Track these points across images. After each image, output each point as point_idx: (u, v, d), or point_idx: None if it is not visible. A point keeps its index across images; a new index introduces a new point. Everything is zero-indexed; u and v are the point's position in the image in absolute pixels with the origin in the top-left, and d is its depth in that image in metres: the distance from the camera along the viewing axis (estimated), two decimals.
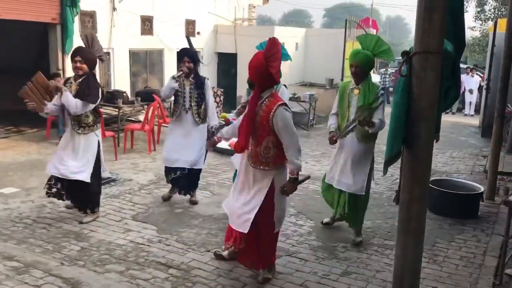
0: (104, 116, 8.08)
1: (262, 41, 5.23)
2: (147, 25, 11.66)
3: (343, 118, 4.70)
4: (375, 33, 14.27)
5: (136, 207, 5.64)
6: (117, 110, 8.80)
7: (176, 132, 5.63)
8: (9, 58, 11.18)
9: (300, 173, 3.76)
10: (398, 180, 3.60)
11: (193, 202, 5.81)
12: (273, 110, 3.62)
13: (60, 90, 4.82)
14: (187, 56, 5.46)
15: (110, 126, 9.29)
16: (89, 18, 10.02)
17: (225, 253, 4.30)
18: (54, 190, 4.98)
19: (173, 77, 5.50)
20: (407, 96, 2.21)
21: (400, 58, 2.41)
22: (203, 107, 5.58)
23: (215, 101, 12.02)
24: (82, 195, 5.07)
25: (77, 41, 9.17)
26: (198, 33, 13.50)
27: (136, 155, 8.09)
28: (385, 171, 2.32)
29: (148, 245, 4.61)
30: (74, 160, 4.94)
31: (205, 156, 5.79)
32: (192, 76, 5.51)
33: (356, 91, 4.61)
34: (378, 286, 4.00)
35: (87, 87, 4.81)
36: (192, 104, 5.52)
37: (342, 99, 4.73)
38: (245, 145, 3.72)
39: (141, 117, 9.38)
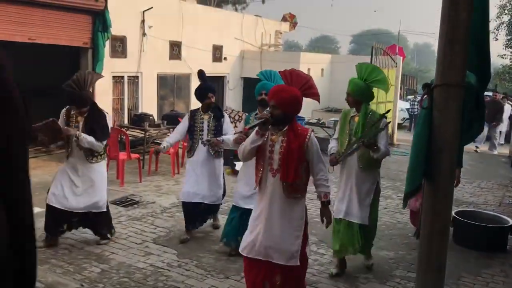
0: (130, 138, 8.22)
1: (264, 70, 5.25)
2: (175, 50, 11.92)
3: (342, 145, 4.68)
4: (401, 60, 14.20)
5: (158, 230, 5.67)
6: (143, 132, 8.94)
7: (195, 167, 5.47)
8: (42, 80, 11.53)
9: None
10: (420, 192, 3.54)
11: (216, 227, 5.81)
12: (307, 137, 3.62)
13: (75, 136, 4.82)
14: (211, 91, 5.46)
15: (136, 148, 9.43)
16: (120, 42, 10.30)
17: None
18: (65, 225, 5.08)
19: (193, 114, 5.53)
20: (429, 128, 2.18)
21: (422, 84, 2.38)
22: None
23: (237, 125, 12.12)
24: (101, 222, 5.17)
25: (107, 65, 9.46)
26: (225, 58, 13.71)
27: (160, 178, 8.17)
28: (404, 204, 2.27)
29: (168, 270, 4.61)
30: (92, 191, 4.99)
31: (224, 188, 5.73)
32: (211, 109, 5.49)
33: (356, 119, 4.61)
34: None
35: (97, 126, 4.86)
36: (210, 137, 5.42)
37: (344, 125, 4.72)
38: (297, 176, 3.60)
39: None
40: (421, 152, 2.15)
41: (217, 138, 5.40)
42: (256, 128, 3.58)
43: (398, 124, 15.24)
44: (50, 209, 4.96)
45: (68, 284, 4.17)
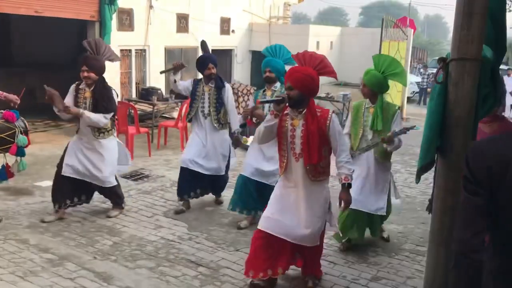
0: (138, 112, 8.22)
1: (272, 44, 5.20)
2: (182, 22, 11.79)
3: (356, 137, 4.59)
4: (412, 33, 13.98)
5: (168, 204, 5.72)
6: (151, 106, 8.94)
7: (197, 137, 5.51)
8: (49, 54, 11.52)
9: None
10: (432, 184, 3.53)
11: (219, 202, 5.82)
12: (328, 119, 3.61)
13: (78, 115, 4.82)
14: (211, 63, 5.36)
15: (145, 123, 9.45)
16: (127, 15, 10.20)
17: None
18: (75, 198, 5.16)
19: (196, 82, 5.50)
20: (443, 103, 2.15)
21: (436, 59, 2.34)
22: (222, 111, 5.47)
23: (248, 99, 12.07)
24: (111, 195, 5.27)
25: (114, 38, 9.38)
26: (233, 31, 13.56)
27: (169, 152, 8.20)
28: (417, 179, 2.27)
29: (179, 242, 4.67)
30: (101, 166, 5.03)
31: (229, 162, 5.70)
32: (212, 80, 5.44)
33: (371, 110, 4.51)
34: None
35: (101, 99, 4.84)
36: (211, 110, 5.41)
37: (357, 118, 4.60)
38: (320, 158, 3.61)
39: (175, 114, 9.49)
40: (435, 127, 2.13)
41: (233, 138, 5.42)
42: (271, 108, 3.60)
43: (408, 97, 15.12)
44: (63, 180, 4.98)
45: (81, 256, 4.24)
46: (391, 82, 4.60)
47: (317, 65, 3.64)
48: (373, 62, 4.55)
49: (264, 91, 5.05)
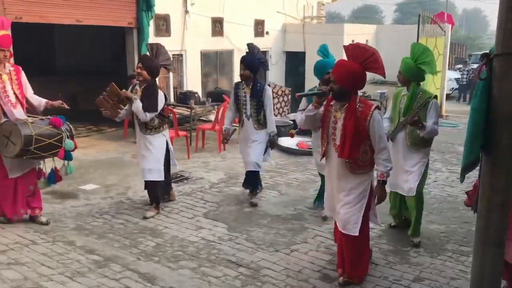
0: (177, 116, 8.36)
1: (322, 44, 5.25)
2: (217, 26, 11.92)
3: (394, 122, 4.76)
4: (450, 28, 13.64)
5: (208, 205, 5.80)
6: (189, 110, 9.08)
7: (241, 138, 5.85)
8: (89, 61, 11.88)
9: None
10: (474, 183, 3.47)
11: (252, 204, 5.83)
12: (369, 115, 3.62)
13: (131, 99, 5.12)
14: (242, 63, 5.58)
15: (183, 126, 9.60)
16: (163, 21, 10.40)
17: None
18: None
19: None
20: (487, 100, 2.11)
21: (478, 53, 2.30)
22: (262, 113, 5.64)
23: (283, 100, 12.09)
24: (150, 190, 5.44)
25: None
26: (267, 32, 13.60)
27: (207, 154, 8.31)
28: (462, 178, 2.22)
29: (219, 243, 4.73)
30: (145, 161, 5.27)
31: (263, 157, 5.84)
32: (251, 84, 5.58)
33: (406, 98, 4.64)
34: None
35: (147, 98, 5.08)
36: (252, 112, 5.62)
37: (395, 105, 4.76)
38: (353, 154, 3.66)
39: (212, 117, 9.61)
40: (479, 124, 2.09)
41: (269, 139, 5.66)
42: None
43: (447, 94, 14.76)
44: None
45: (125, 257, 4.36)
46: (430, 78, 4.67)
47: (365, 60, 3.61)
48: (411, 50, 4.63)
49: (316, 87, 5.11)
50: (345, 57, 3.76)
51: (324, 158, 3.94)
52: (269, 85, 5.82)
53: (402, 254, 4.56)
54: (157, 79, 5.41)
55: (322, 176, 5.28)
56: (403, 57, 4.68)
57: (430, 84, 10.41)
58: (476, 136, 2.09)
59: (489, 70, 2.12)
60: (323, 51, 5.22)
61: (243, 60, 5.62)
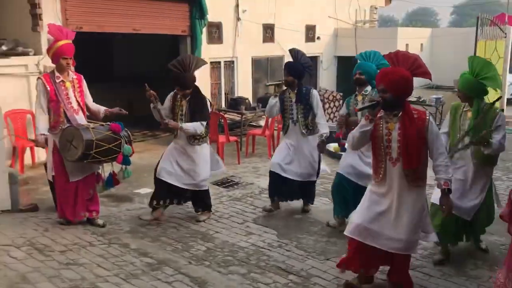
0: (228, 121, 8.47)
1: (363, 51, 5.13)
2: (268, 32, 11.99)
3: (453, 139, 4.46)
4: (511, 30, 13.03)
5: (257, 211, 5.83)
6: (239, 116, 9.18)
7: (285, 145, 5.63)
8: (145, 67, 12.22)
9: None
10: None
11: (306, 211, 5.80)
12: (426, 120, 3.54)
13: (177, 128, 5.17)
14: (286, 70, 5.53)
15: (233, 131, 9.71)
16: (216, 29, 10.58)
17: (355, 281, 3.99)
18: (167, 199, 5.41)
19: (276, 92, 5.67)
20: None
21: None
22: (310, 118, 5.52)
23: (334, 105, 11.97)
24: (201, 199, 5.48)
25: (205, 51, 9.77)
26: (318, 38, 13.54)
27: (257, 159, 8.36)
28: None
29: (269, 249, 4.74)
30: (196, 171, 5.29)
31: (319, 168, 5.71)
32: (296, 89, 5.51)
33: (469, 114, 4.35)
34: None
35: (197, 108, 5.14)
36: (299, 116, 5.51)
37: (455, 120, 4.47)
38: (419, 162, 3.56)
39: (262, 123, 9.66)
40: None
41: (319, 140, 5.38)
42: (366, 113, 3.57)
43: (507, 100, 14.12)
44: (159, 182, 5.32)
45: (178, 260, 4.45)
46: None
47: (410, 65, 3.55)
48: (468, 64, 4.39)
49: (355, 96, 5.04)
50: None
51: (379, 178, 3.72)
52: (315, 89, 5.71)
53: (458, 266, 4.40)
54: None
55: (338, 177, 5.12)
56: (462, 72, 4.43)
57: (490, 89, 9.99)
58: None
59: None
60: (363, 55, 5.09)
61: (286, 66, 5.60)
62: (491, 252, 4.68)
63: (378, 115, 3.61)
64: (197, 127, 5.12)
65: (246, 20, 11.17)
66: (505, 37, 12.23)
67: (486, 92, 4.40)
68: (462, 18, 51.41)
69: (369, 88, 4.93)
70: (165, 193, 5.34)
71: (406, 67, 3.54)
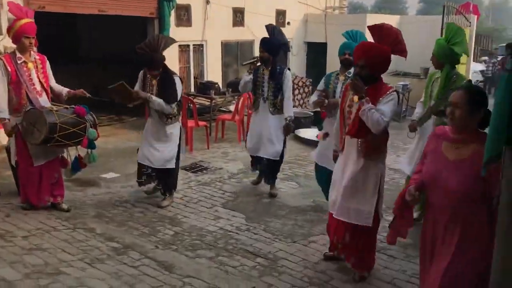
0: (197, 106, 8.39)
1: (349, 29, 5.15)
2: (238, 16, 11.88)
3: (425, 105, 4.74)
4: (476, 19, 13.34)
5: (226, 195, 5.82)
6: (209, 100, 9.10)
7: (255, 121, 5.79)
8: (113, 49, 11.96)
9: None
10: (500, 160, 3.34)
11: (272, 195, 5.80)
12: (384, 95, 3.50)
13: (145, 99, 5.08)
14: (261, 45, 5.51)
15: (203, 116, 9.63)
16: (185, 11, 10.41)
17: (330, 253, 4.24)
18: (144, 176, 5.43)
19: (250, 68, 5.64)
20: (511, 92, 2.05)
21: (503, 45, 2.24)
22: (279, 98, 5.53)
23: (303, 91, 12.01)
24: (166, 180, 5.41)
25: (173, 34, 9.59)
26: (288, 23, 13.49)
27: (227, 145, 8.33)
28: (484, 171, 2.18)
29: (237, 233, 4.75)
30: (164, 149, 5.26)
31: (284, 147, 5.76)
32: (271, 66, 5.50)
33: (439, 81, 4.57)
34: None
35: (166, 89, 5.08)
36: (269, 94, 5.54)
37: (428, 86, 4.72)
38: (360, 134, 3.56)
39: (232, 108, 9.61)
40: (503, 117, 2.03)
41: (285, 123, 5.49)
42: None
43: None
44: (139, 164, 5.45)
45: (144, 245, 4.41)
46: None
47: (392, 41, 3.54)
48: (445, 30, 4.65)
49: (337, 74, 5.01)
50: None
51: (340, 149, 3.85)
52: (289, 69, 5.67)
53: None
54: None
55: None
56: (437, 39, 4.64)
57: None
58: (500, 129, 2.03)
59: None
60: (350, 33, 5.08)
61: (262, 42, 5.55)
62: None
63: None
64: (162, 105, 5.04)
65: (216, 3, 11.03)
66: (470, 25, 12.49)
67: (458, 61, 4.55)
68: (430, 6, 52.15)
69: (352, 70, 4.93)
70: (142, 173, 5.46)
71: (388, 42, 3.51)
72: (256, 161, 5.92)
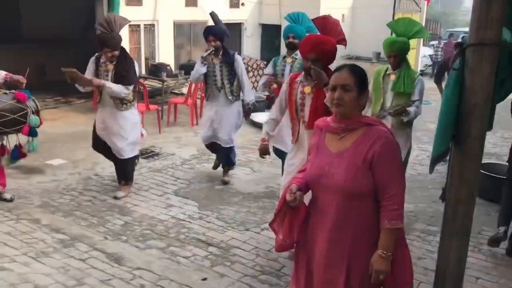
0: (148, 89, 8.17)
1: (292, 12, 5.14)
2: None
3: (376, 103, 4.60)
4: (426, 5, 13.64)
5: (178, 182, 5.73)
6: (161, 83, 8.89)
7: (210, 113, 5.56)
8: (58, 30, 11.43)
9: None
10: (444, 163, 3.44)
11: (225, 182, 5.76)
12: None
13: (100, 86, 4.82)
14: (212, 35, 5.28)
15: (154, 99, 9.41)
16: None
17: None
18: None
19: (202, 58, 5.33)
20: (459, 90, 2.08)
21: (449, 30, 2.26)
22: (235, 83, 5.43)
23: (258, 74, 11.95)
24: (124, 167, 5.24)
25: (122, 13, 9.25)
26: (242, 4, 13.32)
27: (179, 129, 8.18)
28: (431, 169, 2.22)
29: (189, 222, 4.69)
30: (122, 138, 5.03)
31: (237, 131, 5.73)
32: (221, 53, 5.36)
33: (392, 77, 4.48)
34: (419, 274, 3.89)
35: (124, 71, 4.84)
36: (224, 82, 5.38)
37: (377, 83, 4.60)
38: None
39: (185, 90, 9.44)
40: (450, 115, 2.07)
41: (246, 108, 5.42)
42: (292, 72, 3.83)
43: (421, 71, 14.86)
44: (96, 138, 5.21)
45: (92, 236, 4.28)
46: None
47: (337, 33, 3.63)
48: (393, 29, 4.55)
49: (284, 57, 5.02)
50: None
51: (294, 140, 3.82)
52: (238, 54, 5.58)
53: None
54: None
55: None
56: (390, 38, 4.52)
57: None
58: (447, 126, 2.07)
59: (462, 61, 2.09)
60: (292, 16, 5.07)
61: (211, 31, 5.33)
62: None
63: (297, 79, 3.66)
64: (121, 89, 4.81)
65: None
66: (420, 11, 12.76)
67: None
68: None
69: (298, 51, 4.91)
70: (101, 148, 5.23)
71: (334, 35, 3.60)
72: (212, 147, 5.82)
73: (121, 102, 4.96)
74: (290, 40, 4.90)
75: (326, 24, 3.63)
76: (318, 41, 3.55)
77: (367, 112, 4.65)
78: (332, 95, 2.28)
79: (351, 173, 2.22)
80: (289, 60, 4.98)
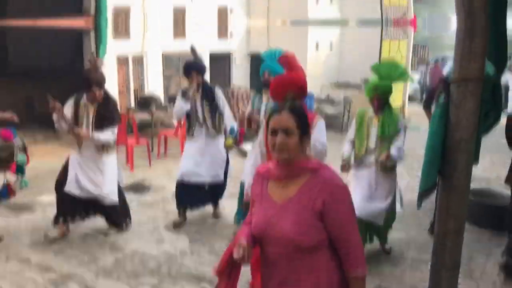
0: (137, 122, 8.19)
1: (269, 50, 5.12)
2: (179, 27, 11.74)
3: (360, 146, 4.55)
4: (413, 32, 13.87)
5: (169, 216, 5.68)
6: (150, 115, 8.91)
7: (192, 149, 5.39)
8: (46, 62, 11.45)
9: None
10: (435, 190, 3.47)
11: (216, 215, 5.70)
12: (314, 123, 3.69)
13: (87, 138, 4.74)
14: (195, 70, 5.19)
15: (144, 131, 9.41)
16: (123, 22, 10.14)
17: None
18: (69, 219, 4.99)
19: (183, 94, 5.21)
20: (444, 125, 2.11)
21: (439, 55, 2.30)
22: (217, 116, 5.38)
23: (247, 103, 12.03)
24: (109, 214, 5.10)
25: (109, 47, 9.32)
26: (231, 34, 13.52)
27: (170, 161, 8.16)
28: (419, 204, 2.23)
29: (181, 257, 4.64)
30: (102, 182, 4.89)
31: (227, 168, 5.61)
32: (201, 88, 5.29)
33: (375, 122, 4.47)
34: None
35: (108, 113, 4.75)
36: (206, 117, 5.31)
37: (361, 127, 4.56)
38: None
39: (175, 122, 9.45)
40: (436, 149, 2.10)
41: (231, 138, 5.31)
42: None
43: (409, 96, 15.04)
44: (65, 197, 4.85)
45: (83, 275, 4.21)
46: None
47: (299, 68, 3.72)
48: (377, 72, 4.50)
49: (261, 96, 4.96)
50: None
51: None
52: (217, 87, 5.57)
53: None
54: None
55: (242, 186, 4.91)
56: (374, 82, 4.48)
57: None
58: (433, 161, 2.09)
59: (447, 96, 2.13)
60: (269, 54, 4.99)
61: (194, 67, 5.23)
62: (392, 248, 4.91)
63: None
64: (109, 136, 4.75)
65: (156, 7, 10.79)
66: (407, 38, 13.01)
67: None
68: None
69: None
70: (70, 206, 4.91)
71: (301, 70, 3.68)
72: (190, 192, 5.44)
73: (103, 147, 4.85)
74: (266, 77, 4.77)
75: (291, 62, 3.69)
76: (291, 80, 3.48)
77: (351, 154, 4.63)
78: (273, 139, 2.06)
79: (300, 227, 2.02)
80: (265, 97, 4.81)
